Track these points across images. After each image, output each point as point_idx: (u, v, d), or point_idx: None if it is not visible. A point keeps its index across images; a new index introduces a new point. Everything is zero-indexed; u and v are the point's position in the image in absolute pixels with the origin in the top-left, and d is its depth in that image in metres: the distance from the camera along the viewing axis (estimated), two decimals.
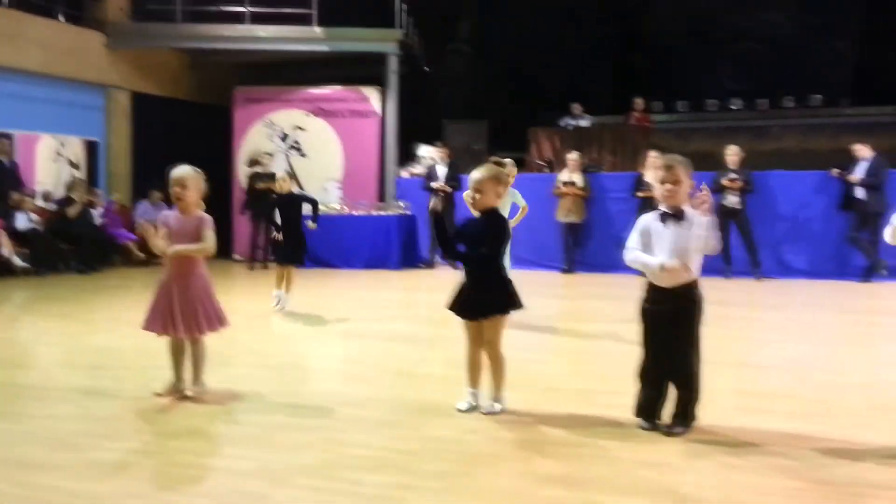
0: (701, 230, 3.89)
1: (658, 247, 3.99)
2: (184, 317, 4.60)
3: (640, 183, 11.39)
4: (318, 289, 8.43)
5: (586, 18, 18.34)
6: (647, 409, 4.09)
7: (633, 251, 4.08)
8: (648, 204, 7.68)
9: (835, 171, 11.15)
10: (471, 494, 3.29)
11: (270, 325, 7.91)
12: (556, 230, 12.15)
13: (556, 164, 13.83)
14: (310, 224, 8.32)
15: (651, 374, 4.08)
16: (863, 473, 3.47)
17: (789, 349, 6.45)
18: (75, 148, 13.66)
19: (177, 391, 4.72)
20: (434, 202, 3.73)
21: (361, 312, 8.23)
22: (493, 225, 4.36)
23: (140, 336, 4.80)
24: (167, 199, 5.05)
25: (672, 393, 4.06)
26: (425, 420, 4.29)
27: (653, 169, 5.99)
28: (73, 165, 13.58)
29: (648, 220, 4.08)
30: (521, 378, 5.08)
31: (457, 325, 4.49)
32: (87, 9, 13.98)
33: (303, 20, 14.03)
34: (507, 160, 7.82)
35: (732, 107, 17.66)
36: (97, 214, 12.73)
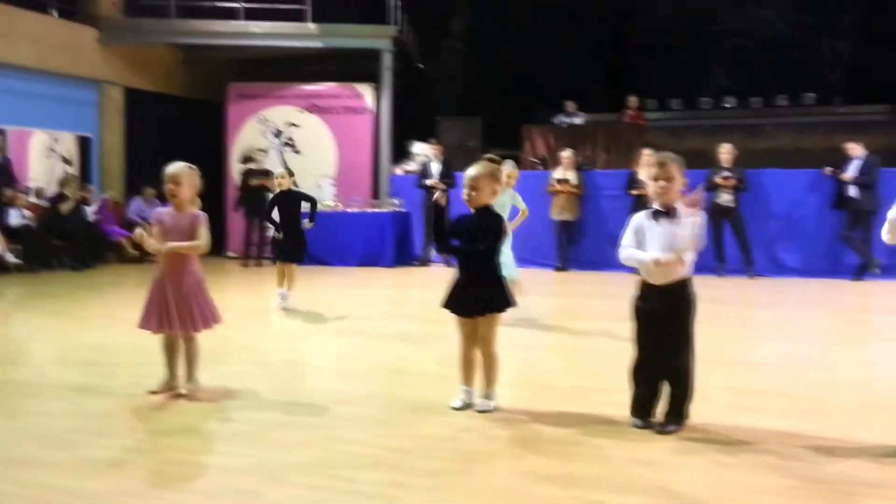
0: (687, 230, 3.90)
1: (650, 244, 4.01)
2: (178, 314, 4.59)
3: (633, 181, 11.40)
4: (312, 286, 8.42)
5: (581, 16, 18.36)
6: (641, 407, 4.11)
7: (626, 249, 4.09)
8: (642, 202, 7.70)
9: (828, 170, 11.17)
10: (465, 492, 3.29)
11: (264, 322, 7.90)
12: (549, 228, 12.15)
13: (550, 161, 13.83)
14: (306, 223, 8.28)
15: (644, 372, 4.10)
16: (855, 471, 3.49)
17: (782, 347, 6.46)
18: (68, 144, 13.61)
19: (170, 388, 4.72)
20: (438, 196, 3.75)
21: (355, 310, 8.22)
22: (489, 222, 4.37)
23: (134, 333, 4.79)
24: (161, 195, 5.03)
25: (665, 391, 4.07)
26: (419, 418, 4.30)
27: (647, 167, 6.00)
28: (66, 161, 13.52)
29: (641, 218, 4.11)
30: (515, 376, 5.09)
31: (450, 322, 4.49)
32: (79, 3, 13.91)
33: (297, 16, 13.99)
34: (509, 161, 7.83)
35: (726, 105, 17.70)
36: (90, 211, 12.69)
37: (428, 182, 12.46)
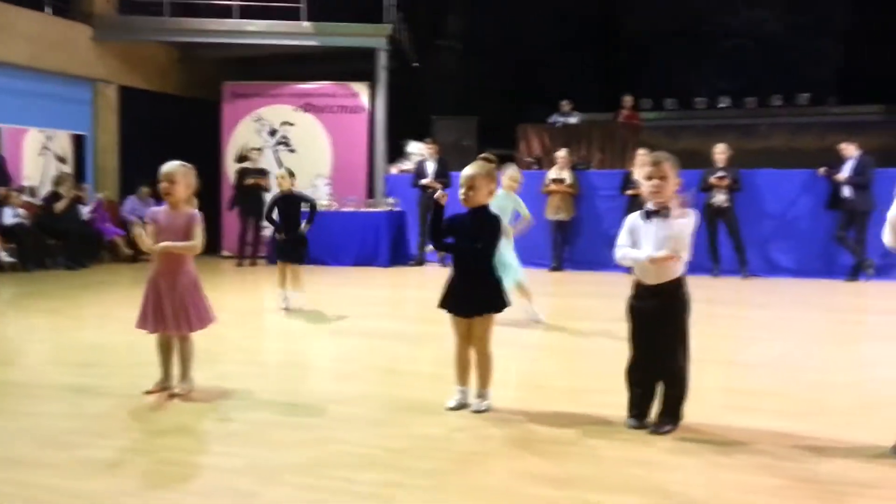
0: (673, 230, 3.90)
1: (644, 243, 4.02)
2: (173, 314, 4.59)
3: (628, 180, 11.42)
4: (308, 286, 8.43)
5: (576, 16, 18.35)
6: (635, 407, 4.12)
7: (622, 248, 4.11)
8: (637, 202, 7.71)
9: (822, 170, 11.21)
10: (460, 492, 3.30)
11: (260, 322, 7.91)
12: (544, 228, 12.16)
13: (545, 161, 13.85)
14: (303, 225, 8.22)
15: (639, 372, 4.11)
16: (849, 472, 3.50)
17: (776, 348, 6.49)
18: (62, 142, 13.58)
19: (166, 388, 4.72)
20: (439, 195, 3.74)
21: (351, 310, 8.22)
22: (485, 221, 4.36)
23: (129, 332, 4.79)
24: (156, 194, 5.03)
25: (659, 391, 4.09)
26: (414, 418, 4.30)
27: (641, 166, 5.98)
28: (61, 160, 13.50)
29: (635, 217, 4.12)
30: (510, 376, 5.11)
31: (446, 322, 4.50)
32: (73, 1, 13.87)
33: (292, 15, 13.98)
34: (512, 165, 7.83)
35: (721, 105, 17.73)
36: (85, 210, 12.67)
37: (423, 181, 12.46)
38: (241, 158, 13.84)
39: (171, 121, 14.16)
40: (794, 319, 8.14)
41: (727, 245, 11.27)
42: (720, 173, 11.22)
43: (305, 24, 13.93)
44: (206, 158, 12.51)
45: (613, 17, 19.32)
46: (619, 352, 4.26)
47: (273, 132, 14.39)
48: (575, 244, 12.38)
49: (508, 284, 6.75)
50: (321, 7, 13.93)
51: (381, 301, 9.53)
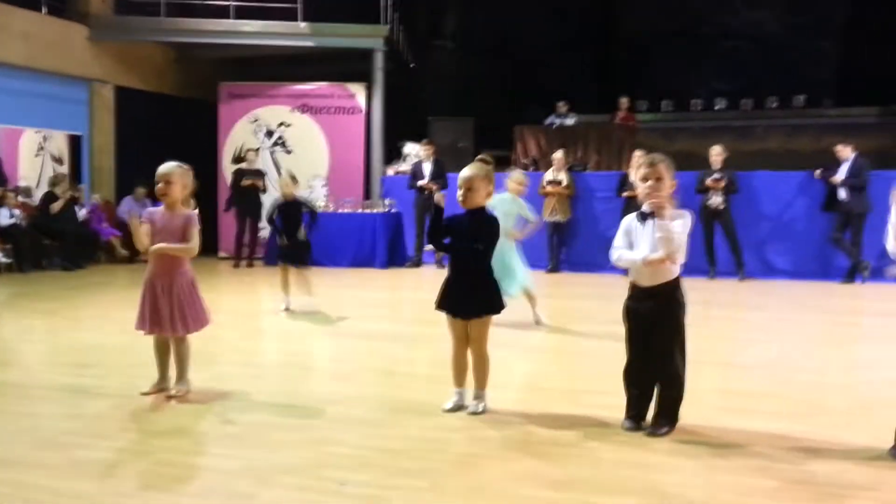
0: (662, 231, 3.90)
1: (639, 245, 4.03)
2: (169, 315, 4.58)
3: (625, 182, 11.43)
4: (306, 287, 8.43)
5: (572, 17, 18.36)
6: (633, 408, 4.12)
7: (617, 250, 4.12)
8: (634, 203, 7.71)
9: (818, 172, 11.23)
10: (456, 494, 3.30)
11: (256, 323, 7.91)
12: (541, 229, 12.14)
13: (542, 162, 13.85)
14: (301, 231, 8.20)
15: (636, 374, 4.11)
16: (845, 474, 3.51)
17: (773, 349, 6.49)
18: (59, 142, 13.57)
19: (162, 389, 4.71)
20: (438, 198, 3.74)
21: (347, 311, 8.21)
22: (483, 223, 4.36)
23: (125, 333, 4.80)
24: (152, 195, 5.02)
25: (656, 393, 4.09)
26: (411, 419, 4.30)
27: (637, 168, 5.98)
28: (57, 160, 13.48)
29: (631, 219, 4.13)
30: (506, 377, 5.11)
31: (442, 323, 4.50)
32: (69, 1, 13.86)
33: (288, 15, 13.98)
34: (518, 170, 7.81)
35: (717, 107, 17.75)
36: (82, 212, 12.65)
37: (420, 183, 12.46)
38: (238, 159, 13.83)
39: (168, 121, 14.16)
40: (791, 321, 8.15)
41: (723, 247, 11.29)
42: (716, 175, 11.24)
43: (302, 25, 13.93)
44: (203, 159, 12.51)
45: (609, 19, 19.33)
46: (617, 353, 4.26)
47: (270, 133, 14.38)
48: (571, 246, 12.40)
49: (516, 291, 6.80)
50: (318, 8, 13.93)
51: (378, 302, 9.53)
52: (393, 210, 13.04)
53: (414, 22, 16.66)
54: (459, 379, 4.45)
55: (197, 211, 4.74)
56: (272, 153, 14.32)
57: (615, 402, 4.20)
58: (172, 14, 14.21)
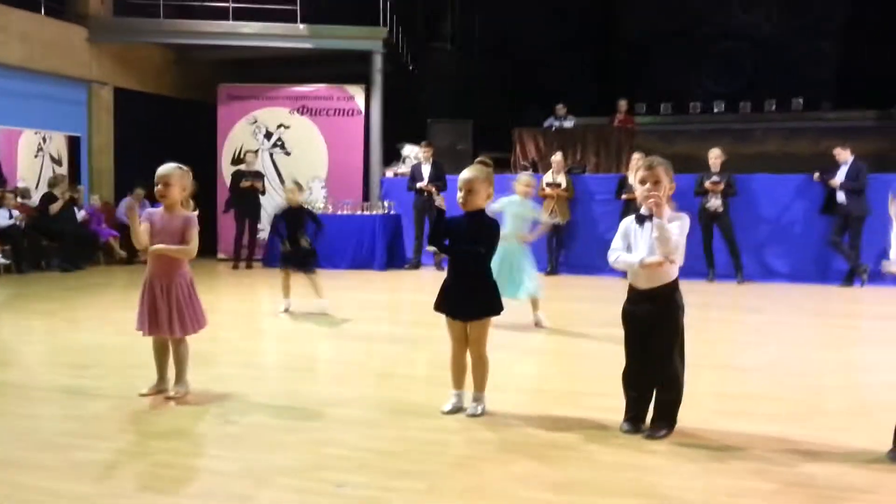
0: (659, 231, 3.90)
1: (637, 248, 4.03)
2: (168, 317, 4.58)
3: (623, 184, 11.44)
4: (302, 289, 8.41)
5: (571, 18, 18.38)
6: (631, 411, 4.13)
7: (615, 252, 4.12)
8: (632, 206, 7.72)
9: (816, 175, 11.24)
10: (454, 496, 3.30)
11: (255, 324, 7.90)
12: None
13: (540, 165, 13.86)
14: (304, 238, 8.18)
15: (634, 376, 4.12)
16: (844, 476, 3.51)
17: (771, 352, 6.50)
18: (57, 143, 13.56)
19: (161, 391, 4.71)
20: (439, 201, 3.76)
21: (346, 313, 8.21)
22: (483, 225, 4.36)
23: (124, 334, 4.80)
24: (151, 196, 5.02)
25: (654, 395, 4.09)
26: (409, 421, 4.30)
27: (636, 170, 5.97)
28: (56, 161, 13.48)
29: (629, 222, 4.13)
30: (505, 380, 5.10)
31: (441, 325, 4.50)
32: (68, 2, 13.87)
33: (287, 17, 13.98)
34: (525, 173, 7.82)
35: (715, 110, 17.77)
36: (81, 213, 12.64)
37: (419, 185, 12.47)
38: (237, 161, 13.83)
39: (167, 123, 14.16)
40: (789, 324, 8.15)
41: (722, 250, 11.30)
42: (715, 178, 11.25)
43: (301, 27, 13.94)
44: (202, 161, 12.50)
45: (609, 21, 19.35)
46: (615, 356, 4.26)
47: (269, 135, 14.38)
48: (570, 248, 12.40)
49: (524, 296, 6.84)
50: (317, 9, 13.94)
51: (377, 304, 9.53)
52: (392, 212, 13.04)
53: (413, 24, 16.67)
54: (458, 381, 4.45)
55: (196, 212, 4.74)
56: (271, 155, 14.32)
57: (614, 405, 4.20)
58: (171, 15, 14.21)
